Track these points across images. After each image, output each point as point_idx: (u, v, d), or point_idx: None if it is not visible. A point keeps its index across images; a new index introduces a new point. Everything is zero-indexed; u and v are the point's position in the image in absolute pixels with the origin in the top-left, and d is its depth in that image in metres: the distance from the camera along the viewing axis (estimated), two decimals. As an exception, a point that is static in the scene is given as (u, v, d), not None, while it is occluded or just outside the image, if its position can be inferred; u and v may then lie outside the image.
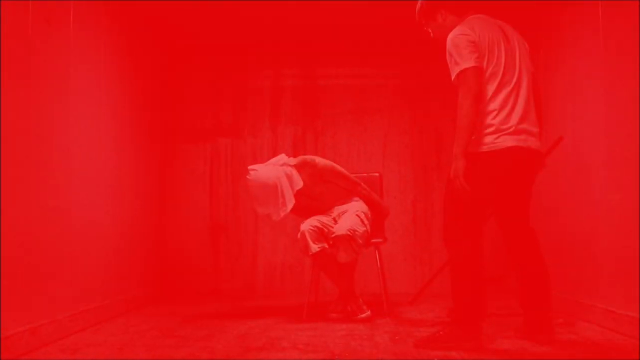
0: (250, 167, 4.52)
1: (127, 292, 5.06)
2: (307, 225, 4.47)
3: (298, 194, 4.55)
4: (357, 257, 4.48)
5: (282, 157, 4.63)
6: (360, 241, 4.42)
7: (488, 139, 3.30)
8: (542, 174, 3.70)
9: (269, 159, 4.86)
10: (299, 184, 4.52)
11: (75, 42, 4.13)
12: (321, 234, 4.47)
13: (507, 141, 3.29)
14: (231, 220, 6.32)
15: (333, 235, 4.39)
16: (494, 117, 3.30)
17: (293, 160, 4.63)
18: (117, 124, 4.88)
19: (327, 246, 4.45)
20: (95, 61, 4.49)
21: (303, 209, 4.76)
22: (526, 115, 3.36)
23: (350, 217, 4.50)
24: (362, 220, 4.51)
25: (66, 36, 4.00)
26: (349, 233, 4.34)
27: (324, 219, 4.61)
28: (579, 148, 4.29)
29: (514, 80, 3.37)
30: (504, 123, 3.29)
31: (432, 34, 3.73)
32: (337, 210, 4.70)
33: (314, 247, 4.40)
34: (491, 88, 3.33)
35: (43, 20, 3.66)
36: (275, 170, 4.48)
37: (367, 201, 4.77)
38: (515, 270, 3.58)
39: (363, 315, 4.40)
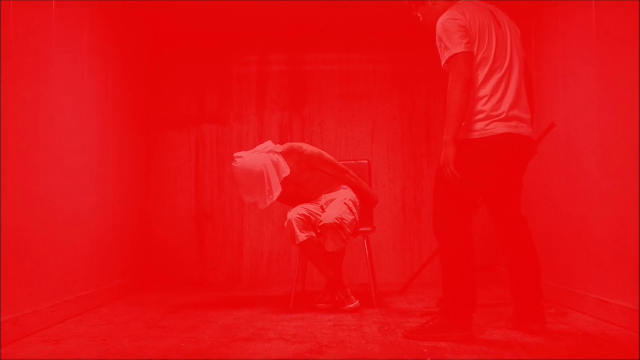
0: (236, 154, 4.45)
1: (111, 281, 4.99)
2: (295, 213, 4.41)
3: (285, 182, 4.49)
4: (345, 246, 4.43)
5: (268, 144, 4.56)
6: (349, 230, 4.37)
7: (479, 126, 3.25)
8: (534, 161, 3.66)
9: (255, 146, 4.80)
10: (286, 171, 4.45)
11: (58, 27, 4.04)
12: (309, 222, 4.41)
13: (499, 128, 3.24)
14: (217, 209, 6.24)
15: (321, 224, 4.34)
16: (485, 104, 3.26)
17: (280, 148, 4.55)
18: (101, 112, 4.78)
19: (314, 235, 4.39)
20: (79, 47, 4.39)
21: (290, 197, 4.70)
22: (518, 101, 3.32)
23: (338, 205, 4.45)
24: (350, 209, 4.46)
25: (48, 21, 3.91)
26: (337, 222, 4.28)
27: (312, 207, 4.55)
28: (572, 135, 4.24)
29: (505, 65, 3.33)
30: (495, 109, 3.25)
31: (421, 19, 3.67)
32: (325, 198, 4.64)
33: (302, 236, 4.34)
34: (482, 74, 3.29)
35: (25, 5, 3.57)
36: (262, 158, 4.41)
37: (356, 189, 4.71)
38: (507, 259, 3.54)
39: (351, 306, 4.35)
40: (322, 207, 4.58)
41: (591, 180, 3.94)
